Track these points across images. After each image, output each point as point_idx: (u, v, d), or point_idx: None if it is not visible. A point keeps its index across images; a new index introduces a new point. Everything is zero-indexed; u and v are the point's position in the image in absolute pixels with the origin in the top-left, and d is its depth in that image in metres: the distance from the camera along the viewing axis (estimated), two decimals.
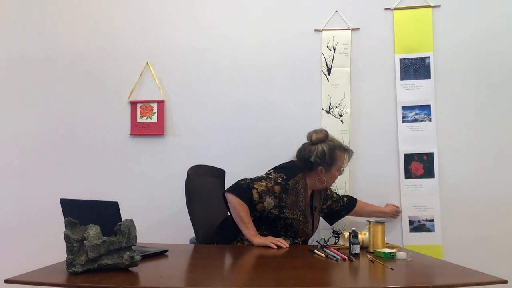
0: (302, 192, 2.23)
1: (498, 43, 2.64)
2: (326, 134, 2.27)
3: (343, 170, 2.31)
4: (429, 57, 2.64)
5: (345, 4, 2.70)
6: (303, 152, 2.27)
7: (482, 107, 2.64)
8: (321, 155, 2.21)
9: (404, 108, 2.66)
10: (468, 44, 2.65)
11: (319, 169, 2.23)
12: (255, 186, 2.13)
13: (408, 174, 2.63)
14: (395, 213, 2.64)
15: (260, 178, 2.17)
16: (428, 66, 2.64)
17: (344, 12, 2.70)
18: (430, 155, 2.61)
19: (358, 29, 2.69)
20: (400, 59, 2.67)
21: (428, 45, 2.65)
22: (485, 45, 2.64)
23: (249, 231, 2.12)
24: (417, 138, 2.64)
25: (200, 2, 2.79)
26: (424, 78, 2.64)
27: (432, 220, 2.60)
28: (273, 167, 2.30)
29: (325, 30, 2.71)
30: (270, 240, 2.08)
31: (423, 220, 2.62)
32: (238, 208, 2.11)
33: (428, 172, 2.61)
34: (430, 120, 2.63)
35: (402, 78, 2.66)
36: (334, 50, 2.70)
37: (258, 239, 2.10)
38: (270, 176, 2.19)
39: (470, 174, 2.62)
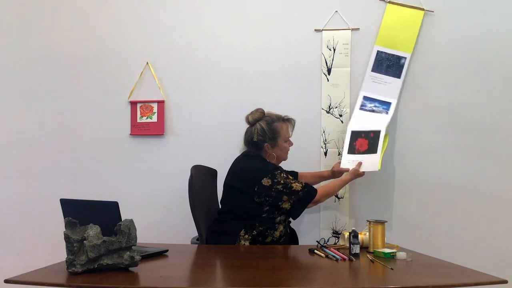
0: None
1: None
2: (262, 112, 2.32)
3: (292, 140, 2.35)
4: (405, 58, 2.63)
5: (345, 4, 2.70)
6: (246, 136, 2.33)
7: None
8: (262, 132, 2.27)
9: (365, 98, 2.64)
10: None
11: (265, 146, 2.27)
12: (293, 185, 2.18)
13: (352, 151, 2.54)
14: (336, 172, 2.50)
15: (285, 183, 2.17)
16: (402, 66, 2.63)
17: (344, 12, 2.70)
18: (376, 133, 2.53)
19: (358, 29, 2.69)
20: (378, 51, 2.65)
21: (409, 46, 2.63)
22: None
23: (343, 182, 2.38)
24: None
25: (200, 2, 2.79)
26: (394, 76, 2.63)
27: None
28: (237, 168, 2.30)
29: (325, 30, 2.71)
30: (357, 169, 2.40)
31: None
32: (326, 193, 2.30)
33: (371, 149, 2.51)
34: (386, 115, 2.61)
35: (373, 70, 2.65)
36: (334, 50, 2.70)
37: (351, 176, 2.39)
38: (278, 176, 2.17)
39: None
